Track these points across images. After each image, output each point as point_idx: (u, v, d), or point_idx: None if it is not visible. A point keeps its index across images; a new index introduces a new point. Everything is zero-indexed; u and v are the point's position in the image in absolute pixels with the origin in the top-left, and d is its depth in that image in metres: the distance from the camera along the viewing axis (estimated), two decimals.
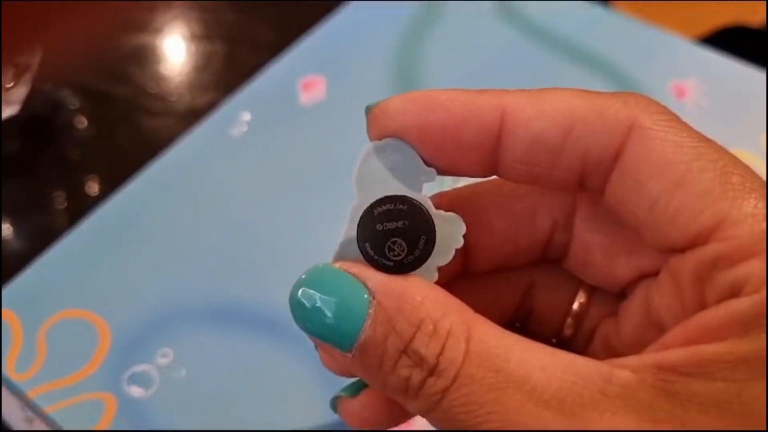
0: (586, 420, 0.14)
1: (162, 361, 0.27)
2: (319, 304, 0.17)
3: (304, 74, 0.35)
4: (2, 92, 0.37)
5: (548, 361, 0.15)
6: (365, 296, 0.16)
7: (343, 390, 0.19)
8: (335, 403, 0.19)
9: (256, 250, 0.30)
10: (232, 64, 0.41)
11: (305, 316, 0.17)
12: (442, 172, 0.17)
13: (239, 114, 0.34)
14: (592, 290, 0.19)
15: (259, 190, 0.32)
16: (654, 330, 0.17)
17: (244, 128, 0.33)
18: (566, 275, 0.19)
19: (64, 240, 0.30)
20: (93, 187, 0.37)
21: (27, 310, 0.28)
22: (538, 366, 0.15)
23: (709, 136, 0.35)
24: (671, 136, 0.15)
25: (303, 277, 0.17)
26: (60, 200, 0.36)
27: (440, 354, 0.15)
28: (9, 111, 0.37)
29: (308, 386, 0.26)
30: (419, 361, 0.15)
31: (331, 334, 0.16)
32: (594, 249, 0.18)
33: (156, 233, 0.30)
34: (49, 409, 0.26)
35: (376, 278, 0.16)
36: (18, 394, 0.26)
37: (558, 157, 0.16)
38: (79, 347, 0.27)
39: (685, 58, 0.35)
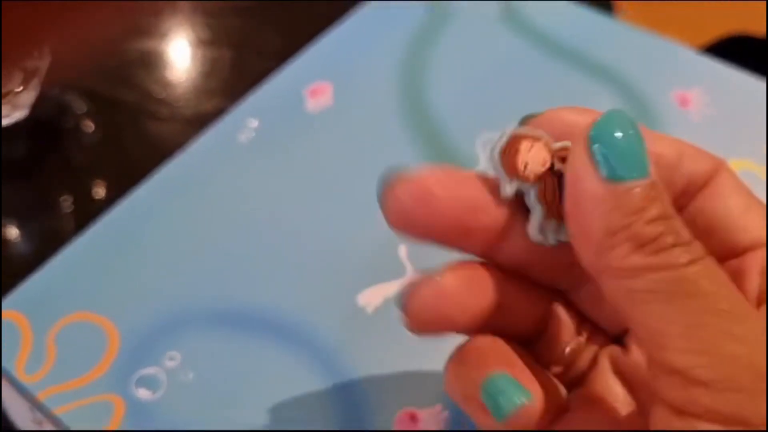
0: None
1: (170, 364, 0.27)
2: (626, 133, 0.17)
3: (311, 81, 0.35)
4: (11, 96, 0.37)
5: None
6: (649, 168, 0.17)
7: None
8: None
9: (264, 255, 0.30)
10: (238, 70, 0.41)
11: (609, 129, 0.18)
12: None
13: (246, 120, 0.34)
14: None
15: (266, 195, 0.32)
16: None
17: (252, 134, 0.34)
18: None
19: (74, 243, 0.30)
20: (99, 192, 0.37)
21: (36, 312, 0.28)
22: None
23: (713, 144, 0.36)
24: (740, 183, 0.20)
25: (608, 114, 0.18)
26: (66, 204, 0.36)
27: (693, 241, 0.17)
28: (17, 115, 0.38)
29: (316, 390, 0.27)
30: (674, 231, 0.17)
31: (617, 156, 0.17)
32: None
33: (164, 237, 0.30)
34: (58, 411, 0.26)
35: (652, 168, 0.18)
36: (27, 395, 0.27)
37: (673, 172, 0.19)
38: (88, 350, 0.27)
39: (689, 67, 0.36)
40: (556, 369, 0.21)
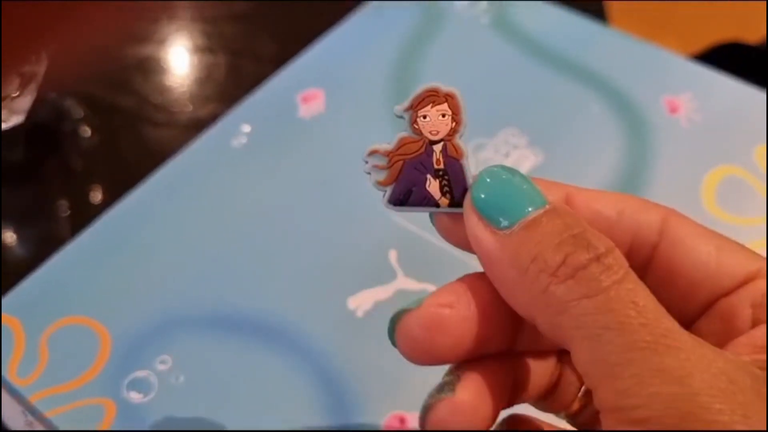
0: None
1: (161, 367, 0.27)
2: (502, 180, 0.18)
3: (304, 87, 0.36)
4: (8, 101, 0.37)
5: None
6: (544, 198, 0.17)
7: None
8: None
9: (256, 260, 0.30)
10: (234, 76, 0.42)
11: (486, 184, 0.18)
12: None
13: (240, 126, 0.34)
14: None
15: (258, 200, 0.32)
16: None
17: (244, 140, 0.34)
18: None
19: (67, 248, 0.31)
20: (96, 196, 0.37)
21: (29, 316, 0.28)
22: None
23: (702, 150, 0.36)
24: (692, 221, 0.20)
25: (491, 166, 0.18)
26: (63, 208, 0.37)
27: (610, 251, 0.17)
28: (14, 120, 0.38)
29: (306, 393, 0.27)
30: (587, 245, 0.16)
31: (505, 206, 0.17)
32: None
33: (157, 242, 0.31)
34: (50, 414, 0.26)
35: (553, 196, 0.18)
36: (19, 398, 0.27)
37: (613, 229, 0.19)
38: (80, 353, 0.28)
39: (679, 73, 0.36)
40: (574, 408, 0.21)
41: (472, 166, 0.19)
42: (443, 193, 0.19)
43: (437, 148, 0.19)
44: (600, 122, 0.34)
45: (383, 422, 0.26)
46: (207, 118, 0.39)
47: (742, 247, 0.19)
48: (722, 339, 0.18)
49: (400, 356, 0.28)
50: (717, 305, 0.19)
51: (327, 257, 0.30)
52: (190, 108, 0.41)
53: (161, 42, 0.44)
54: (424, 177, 0.19)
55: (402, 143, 0.19)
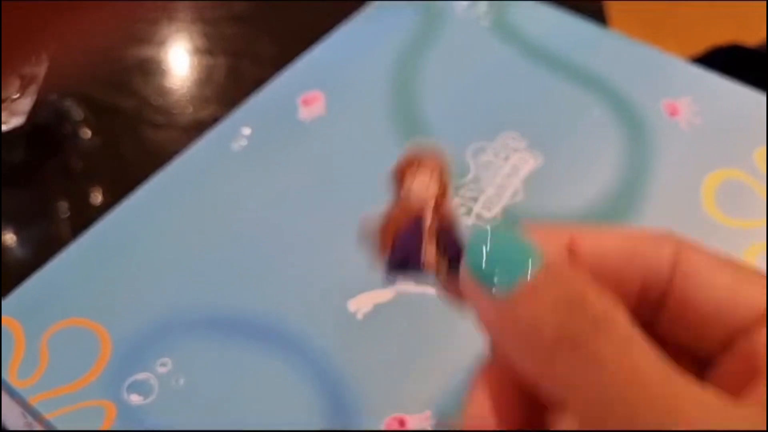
0: None
1: (161, 370, 0.27)
2: (495, 242, 0.17)
3: (304, 90, 0.36)
4: (9, 103, 0.37)
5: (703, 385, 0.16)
6: (540, 254, 0.17)
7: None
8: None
9: (256, 262, 0.30)
10: (234, 78, 0.42)
11: (479, 249, 0.17)
12: None
13: (240, 128, 0.35)
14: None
15: (258, 202, 0.32)
16: None
17: (245, 142, 0.34)
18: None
19: (67, 250, 0.31)
20: (96, 198, 0.37)
21: (30, 318, 0.28)
22: (696, 384, 0.15)
23: (702, 153, 0.36)
24: (705, 250, 0.19)
25: (485, 227, 0.18)
26: (63, 210, 0.37)
27: (610, 312, 0.16)
28: (15, 122, 0.38)
29: (306, 396, 0.27)
30: (584, 310, 0.16)
31: (499, 267, 0.17)
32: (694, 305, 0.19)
33: (157, 244, 0.31)
34: (50, 416, 0.26)
35: (549, 248, 0.17)
36: (19, 400, 0.27)
37: (622, 271, 0.18)
38: (81, 355, 0.28)
39: (679, 77, 0.36)
40: None
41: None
42: (440, 258, 0.19)
43: (427, 214, 0.19)
44: (600, 125, 0.34)
45: (383, 424, 0.26)
46: (207, 119, 0.39)
47: (761, 276, 0.18)
48: (745, 379, 0.17)
49: (401, 358, 0.28)
50: (737, 342, 0.18)
51: (327, 260, 0.30)
52: (191, 110, 0.41)
53: (161, 44, 0.44)
54: (419, 245, 0.19)
55: (392, 216, 0.19)
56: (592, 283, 0.16)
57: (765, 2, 0.41)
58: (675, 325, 0.17)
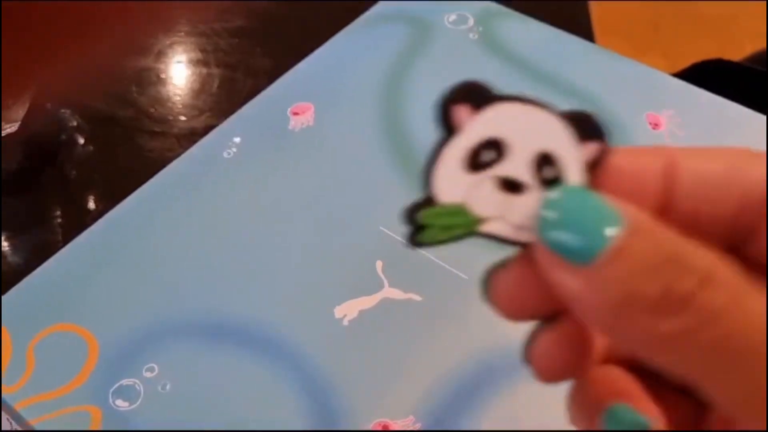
0: None
1: (148, 375, 0.28)
2: (569, 205, 0.15)
3: (295, 101, 0.36)
4: (2, 110, 0.38)
5: None
6: (621, 216, 0.15)
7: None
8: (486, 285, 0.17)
9: (243, 269, 0.31)
10: (228, 89, 0.42)
11: (557, 209, 0.15)
12: None
13: (231, 137, 0.35)
14: None
15: (248, 210, 0.32)
16: None
17: (235, 151, 0.35)
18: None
19: (56, 256, 0.31)
20: (91, 205, 0.37)
21: (17, 324, 0.29)
22: None
23: None
24: None
25: (556, 190, 0.16)
26: (57, 217, 0.37)
27: (714, 267, 0.14)
28: (8, 129, 0.38)
29: (292, 401, 0.27)
30: (687, 268, 0.14)
31: (579, 238, 0.15)
32: None
33: (145, 251, 0.31)
34: (35, 421, 0.26)
35: (631, 208, 0.15)
36: (5, 406, 0.27)
37: (722, 187, 0.17)
38: (67, 361, 0.28)
39: (662, 90, 0.36)
40: None
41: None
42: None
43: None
44: None
45: (368, 429, 0.27)
46: (201, 129, 0.39)
47: None
48: None
49: (385, 364, 0.28)
50: None
51: (314, 267, 0.31)
52: (185, 119, 0.41)
53: (158, 55, 0.44)
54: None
55: None
56: (687, 239, 0.15)
57: (752, 17, 0.42)
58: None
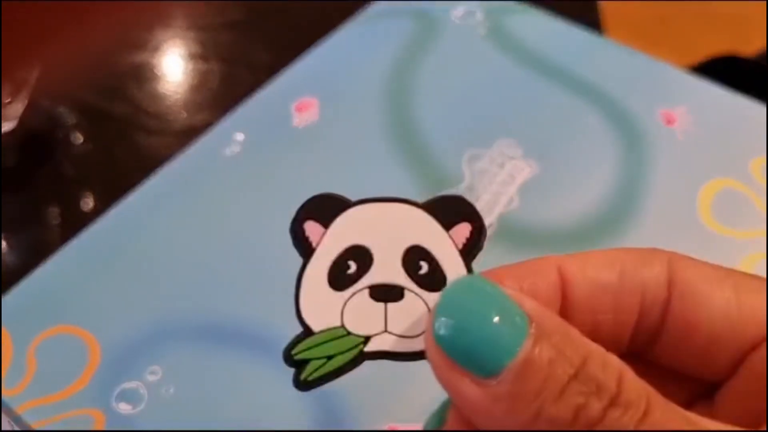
0: None
1: (151, 378, 0.27)
2: (469, 314, 0.14)
3: (298, 96, 0.36)
4: (0, 108, 0.37)
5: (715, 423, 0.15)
6: (523, 314, 0.14)
7: (427, 424, 0.17)
8: None
9: (247, 270, 0.30)
10: (228, 84, 0.42)
11: (452, 328, 0.14)
12: None
13: (233, 134, 0.34)
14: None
15: (250, 210, 0.32)
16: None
17: (237, 148, 0.34)
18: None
19: (56, 256, 0.30)
20: (88, 204, 0.37)
21: (18, 325, 0.28)
22: (710, 422, 0.14)
23: (697, 163, 0.35)
24: (700, 262, 0.17)
25: (450, 288, 0.15)
26: (55, 216, 0.36)
27: (620, 383, 0.14)
28: (6, 127, 0.38)
29: (297, 405, 0.27)
30: (596, 388, 0.14)
31: (481, 348, 0.14)
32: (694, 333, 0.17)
33: (147, 251, 0.30)
34: (37, 425, 0.26)
35: (531, 302, 0.14)
36: (6, 409, 0.27)
37: (619, 295, 0.17)
38: (69, 363, 0.27)
39: (675, 86, 0.36)
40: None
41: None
42: None
43: None
44: (596, 134, 0.34)
45: (376, 430, 0.26)
46: (200, 125, 0.38)
47: (762, 283, 0.17)
48: (758, 400, 0.16)
49: (393, 367, 0.28)
50: (748, 361, 0.16)
51: None
52: (184, 115, 0.40)
53: (155, 49, 0.43)
54: None
55: None
56: (591, 344, 0.14)
57: (763, 13, 0.41)
58: (677, 352, 0.16)
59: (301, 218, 0.15)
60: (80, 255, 0.30)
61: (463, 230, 0.15)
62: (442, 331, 0.14)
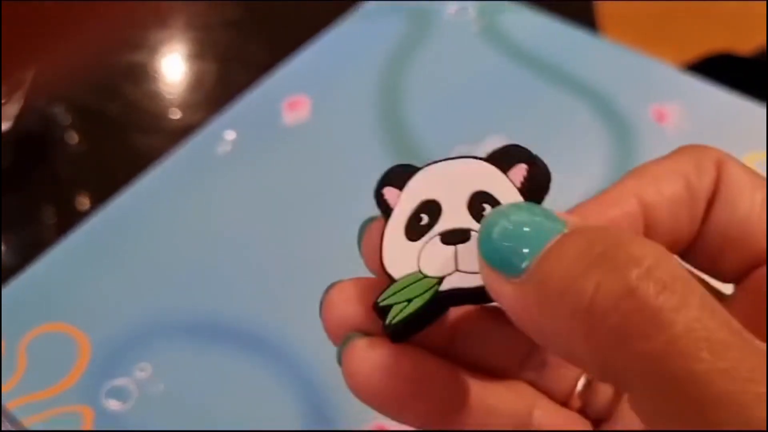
0: None
1: (140, 375, 0.27)
2: (508, 220, 0.14)
3: (289, 94, 0.36)
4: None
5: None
6: (562, 221, 0.14)
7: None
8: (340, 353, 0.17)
9: (237, 267, 0.30)
10: (223, 83, 0.42)
11: (491, 232, 0.14)
12: None
13: (224, 133, 0.34)
14: None
15: (241, 208, 0.32)
16: None
17: (229, 147, 0.34)
18: None
19: (47, 254, 0.30)
20: (84, 203, 0.37)
21: (9, 322, 0.28)
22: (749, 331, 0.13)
23: None
24: (746, 168, 0.17)
25: (498, 207, 0.15)
26: (50, 215, 0.37)
27: (659, 261, 0.12)
28: (2, 127, 0.38)
29: (287, 403, 0.27)
30: (626, 260, 0.12)
31: (515, 248, 0.13)
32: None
33: (137, 249, 0.31)
34: (27, 421, 0.26)
35: (575, 218, 0.15)
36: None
37: (689, 208, 0.17)
38: (59, 360, 0.27)
39: (668, 83, 0.36)
40: (575, 405, 0.18)
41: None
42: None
43: None
44: (587, 130, 0.34)
45: (364, 430, 0.26)
46: (196, 125, 0.39)
47: None
48: (762, 323, 0.15)
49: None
50: (753, 276, 0.16)
51: (309, 265, 0.30)
52: (180, 115, 0.40)
53: (150, 49, 0.44)
54: None
55: None
56: (627, 230, 0.14)
57: (760, 11, 0.41)
58: (709, 245, 0.16)
59: (381, 186, 0.17)
60: (71, 254, 0.30)
61: (520, 171, 0.16)
62: (483, 238, 0.14)
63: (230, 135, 0.34)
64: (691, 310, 0.12)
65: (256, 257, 0.30)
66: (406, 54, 0.37)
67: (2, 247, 0.36)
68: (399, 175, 0.17)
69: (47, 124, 0.40)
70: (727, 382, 0.11)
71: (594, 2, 0.44)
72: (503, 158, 0.16)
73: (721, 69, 0.40)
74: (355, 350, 0.17)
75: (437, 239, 0.16)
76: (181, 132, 0.39)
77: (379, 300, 0.16)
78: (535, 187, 0.16)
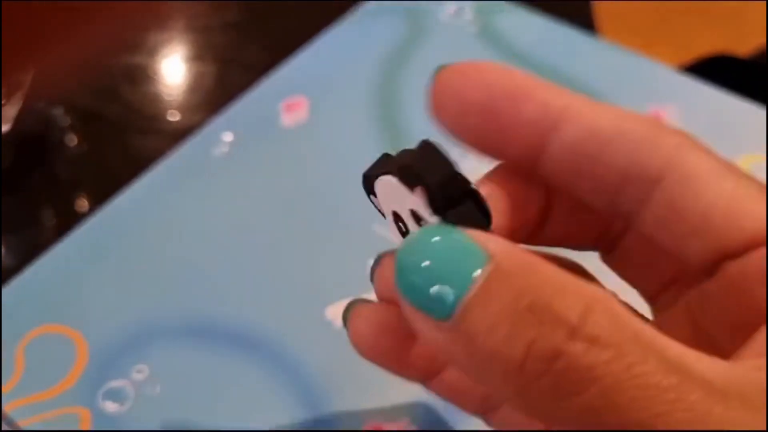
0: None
1: (137, 377, 0.27)
2: (427, 258, 0.13)
3: (287, 95, 0.36)
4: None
5: (699, 355, 0.13)
6: (484, 255, 0.13)
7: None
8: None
9: (235, 269, 0.30)
10: (222, 85, 0.42)
11: (409, 269, 0.13)
12: (483, 149, 0.18)
13: (221, 134, 0.34)
14: None
15: (239, 209, 0.32)
16: (701, 343, 0.14)
17: (226, 149, 0.34)
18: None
19: (45, 256, 0.30)
20: (83, 205, 0.37)
21: (7, 324, 0.28)
22: (693, 358, 0.12)
23: None
24: (712, 156, 0.16)
25: (414, 235, 0.14)
26: (49, 217, 0.37)
27: (585, 315, 0.12)
28: (1, 129, 0.38)
29: (283, 404, 0.27)
30: (553, 319, 0.12)
31: (436, 291, 0.13)
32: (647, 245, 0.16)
33: (135, 251, 0.31)
34: (25, 423, 0.26)
35: (497, 241, 0.13)
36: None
37: (607, 147, 0.15)
38: (57, 362, 0.28)
39: (666, 84, 0.36)
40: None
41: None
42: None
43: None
44: None
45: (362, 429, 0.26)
46: (195, 127, 0.39)
47: (762, 190, 0.15)
48: (733, 309, 0.15)
49: (377, 366, 0.28)
50: (726, 269, 0.15)
51: (306, 267, 0.30)
52: (179, 117, 0.41)
53: (150, 51, 0.44)
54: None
55: None
56: (554, 272, 0.13)
57: (759, 12, 0.41)
58: (656, 229, 0.15)
59: (368, 193, 0.18)
60: (68, 255, 0.30)
61: (418, 194, 0.15)
62: (401, 275, 0.13)
63: (228, 136, 0.34)
64: (624, 358, 0.12)
65: (254, 259, 0.30)
66: (404, 55, 0.37)
67: (1, 249, 0.36)
68: (368, 180, 0.17)
69: (46, 125, 0.40)
70: (668, 424, 0.11)
71: (592, 3, 0.44)
72: (409, 175, 0.15)
73: (719, 70, 0.40)
74: (358, 311, 0.19)
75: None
76: (180, 133, 0.39)
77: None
78: (450, 202, 0.15)
